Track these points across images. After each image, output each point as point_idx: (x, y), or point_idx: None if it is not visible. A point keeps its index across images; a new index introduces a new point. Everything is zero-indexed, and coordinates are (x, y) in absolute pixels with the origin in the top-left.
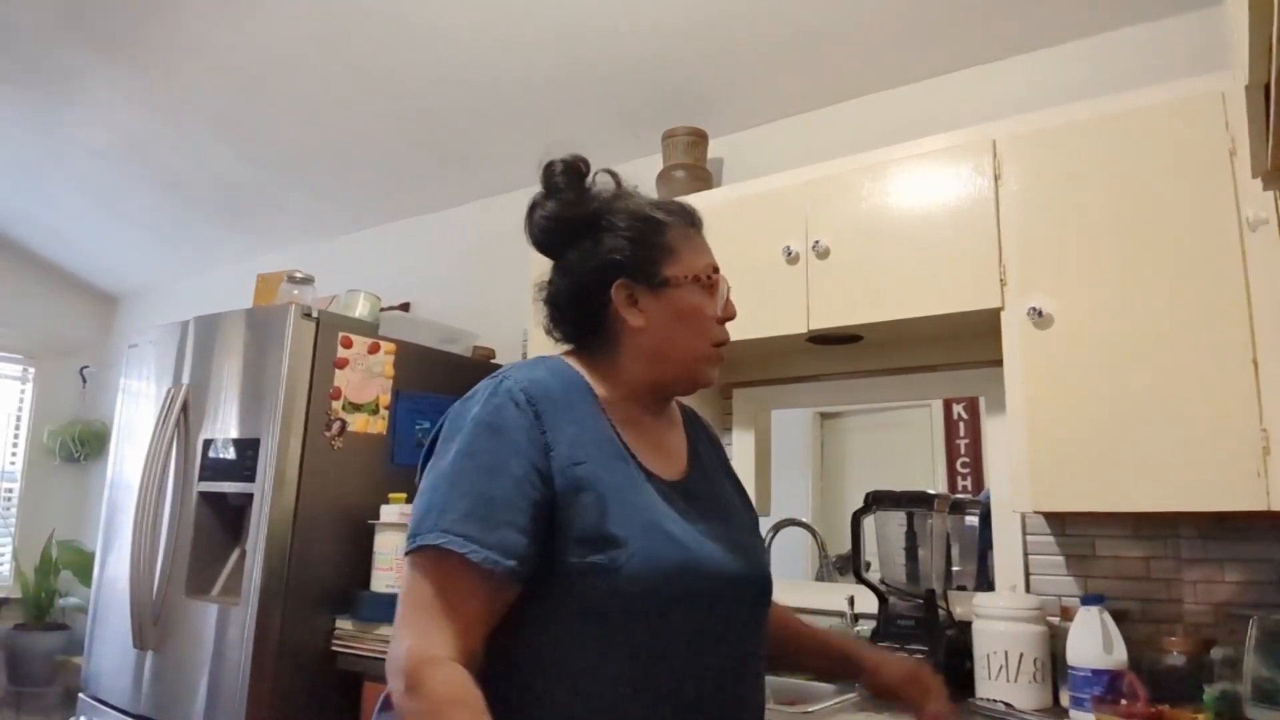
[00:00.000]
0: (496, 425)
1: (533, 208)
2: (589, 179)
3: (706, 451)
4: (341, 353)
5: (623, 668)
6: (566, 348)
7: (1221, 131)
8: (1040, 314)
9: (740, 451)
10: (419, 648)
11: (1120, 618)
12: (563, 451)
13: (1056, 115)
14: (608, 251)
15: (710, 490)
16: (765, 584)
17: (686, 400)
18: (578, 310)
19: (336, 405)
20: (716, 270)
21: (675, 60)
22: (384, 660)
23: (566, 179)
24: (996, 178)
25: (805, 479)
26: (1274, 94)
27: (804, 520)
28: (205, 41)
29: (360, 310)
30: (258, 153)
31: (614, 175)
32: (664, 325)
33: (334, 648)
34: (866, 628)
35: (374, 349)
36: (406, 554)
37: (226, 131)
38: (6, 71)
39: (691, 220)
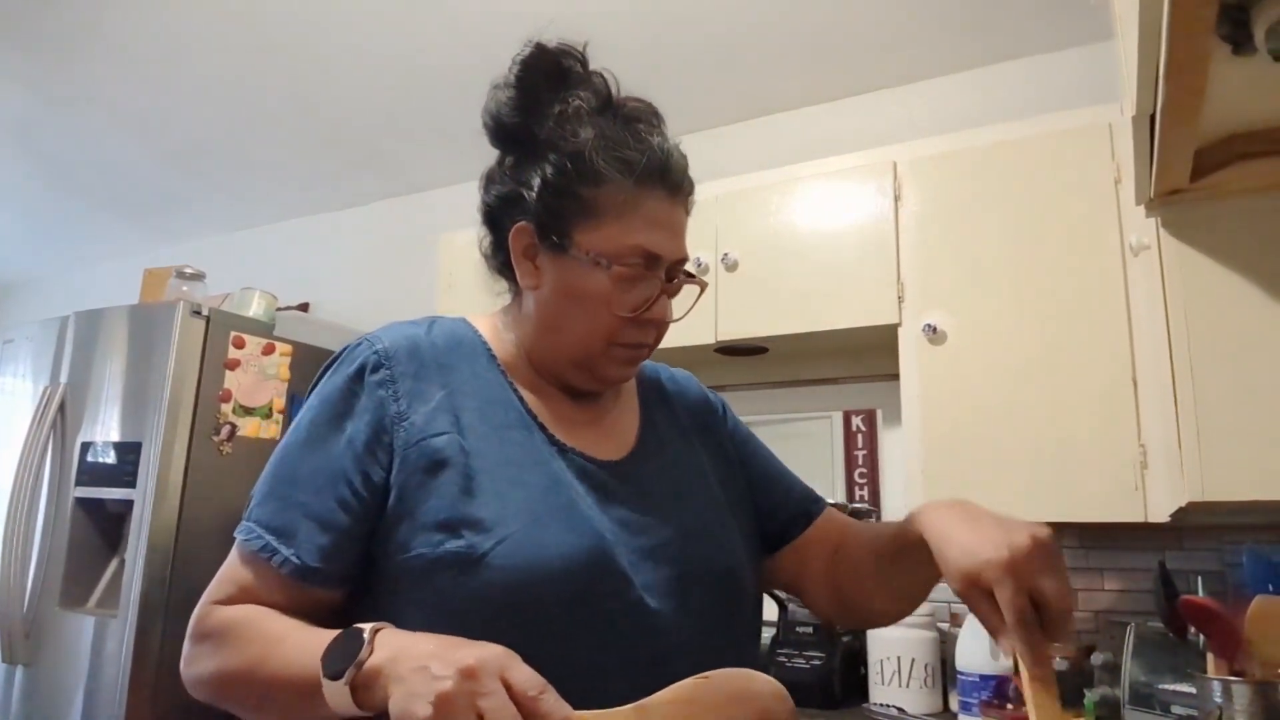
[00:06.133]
0: (333, 396)
1: (494, 88)
2: (568, 82)
3: (667, 421)
4: (233, 353)
5: None
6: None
7: (1108, 160)
8: (935, 330)
9: None
10: (205, 600)
11: None
12: (417, 421)
13: (954, 140)
14: (519, 181)
15: (659, 466)
16: (719, 578)
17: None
18: (489, 238)
19: (226, 408)
20: (649, 258)
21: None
22: None
23: (522, 75)
24: (897, 198)
25: None
26: (1158, 125)
27: None
28: (99, 23)
29: (254, 309)
30: (152, 143)
31: (607, 84)
32: (552, 296)
33: None
34: (767, 634)
35: (268, 350)
36: None
37: (119, 119)
38: None
39: (647, 180)
